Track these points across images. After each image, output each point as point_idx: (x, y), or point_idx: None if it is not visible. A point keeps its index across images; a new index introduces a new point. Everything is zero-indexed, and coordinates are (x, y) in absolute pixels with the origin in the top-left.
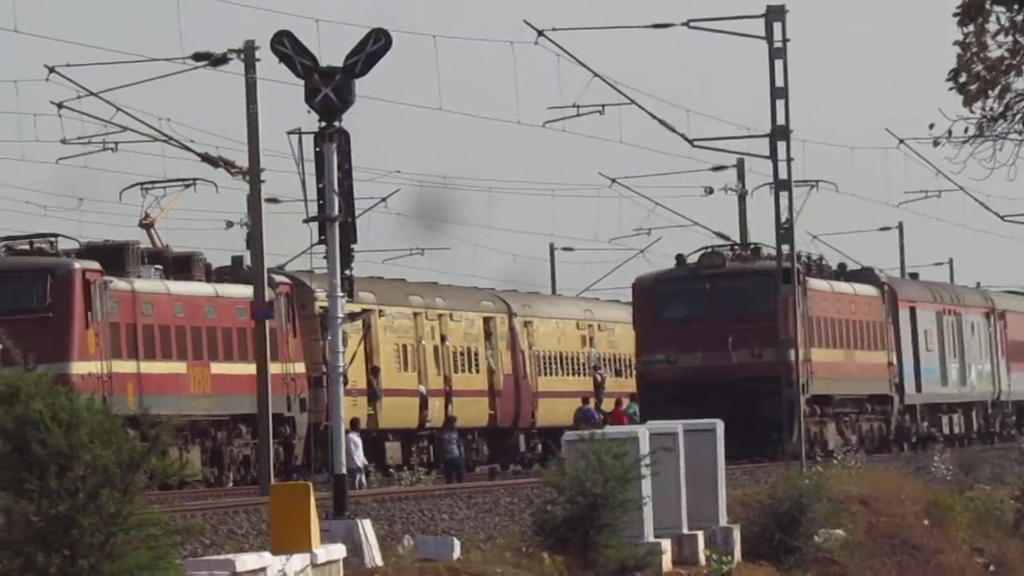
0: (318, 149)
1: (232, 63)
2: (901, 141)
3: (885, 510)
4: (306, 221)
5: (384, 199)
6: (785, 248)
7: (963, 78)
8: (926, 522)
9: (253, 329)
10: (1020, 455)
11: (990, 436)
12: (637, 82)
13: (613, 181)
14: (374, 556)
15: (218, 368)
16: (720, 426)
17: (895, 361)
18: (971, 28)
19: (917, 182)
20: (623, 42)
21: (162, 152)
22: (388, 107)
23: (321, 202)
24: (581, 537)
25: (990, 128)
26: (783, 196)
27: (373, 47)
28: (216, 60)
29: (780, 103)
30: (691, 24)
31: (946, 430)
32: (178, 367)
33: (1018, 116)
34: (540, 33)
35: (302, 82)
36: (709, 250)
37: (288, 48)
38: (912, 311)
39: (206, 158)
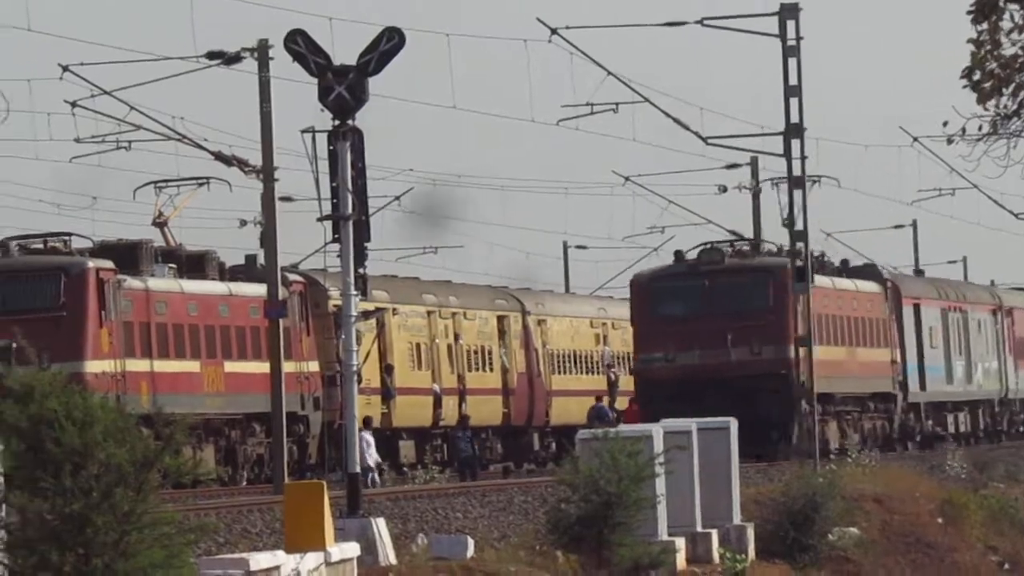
0: (332, 147)
1: (246, 62)
2: (915, 139)
3: (899, 508)
4: (320, 220)
5: (398, 197)
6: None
7: (977, 76)
8: (940, 520)
9: (267, 328)
10: None
11: (997, 435)
12: (651, 80)
13: (627, 179)
14: (388, 555)
15: (232, 367)
16: (734, 424)
17: (898, 359)
18: (985, 26)
19: (931, 180)
20: (637, 40)
21: (175, 151)
22: (401, 105)
23: (335, 201)
24: (595, 536)
25: (1004, 126)
26: (797, 194)
27: (386, 45)
28: (230, 59)
29: (794, 101)
30: (705, 22)
31: (952, 429)
32: (192, 366)
33: None
34: (553, 31)
35: (315, 80)
36: (708, 246)
37: (302, 46)
38: (916, 308)
39: (220, 157)
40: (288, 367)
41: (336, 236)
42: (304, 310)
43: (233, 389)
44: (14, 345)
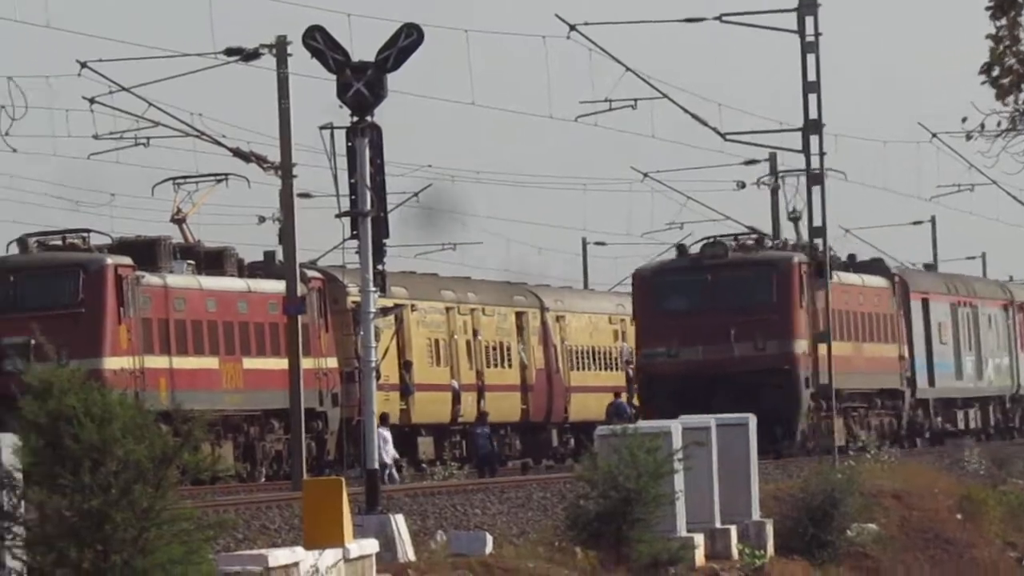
0: (350, 144)
1: (264, 58)
2: (934, 135)
3: (918, 504)
4: (338, 216)
5: (416, 194)
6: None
7: (996, 72)
8: (959, 516)
9: (285, 324)
10: None
11: (1008, 431)
12: (669, 76)
13: (645, 175)
14: (407, 551)
15: (250, 363)
16: (753, 420)
17: (906, 354)
18: (1004, 21)
19: (950, 176)
20: (655, 36)
21: (194, 147)
22: (420, 102)
23: (353, 197)
24: (614, 532)
25: (1023, 122)
26: (816, 190)
27: (405, 42)
28: (248, 55)
29: (812, 97)
30: (723, 18)
31: (961, 425)
32: (210, 362)
33: None
34: (572, 27)
35: (334, 77)
36: (711, 240)
37: (320, 43)
38: (925, 303)
39: (238, 153)
40: (307, 363)
41: (354, 232)
42: (323, 306)
43: (252, 385)
44: (33, 341)
